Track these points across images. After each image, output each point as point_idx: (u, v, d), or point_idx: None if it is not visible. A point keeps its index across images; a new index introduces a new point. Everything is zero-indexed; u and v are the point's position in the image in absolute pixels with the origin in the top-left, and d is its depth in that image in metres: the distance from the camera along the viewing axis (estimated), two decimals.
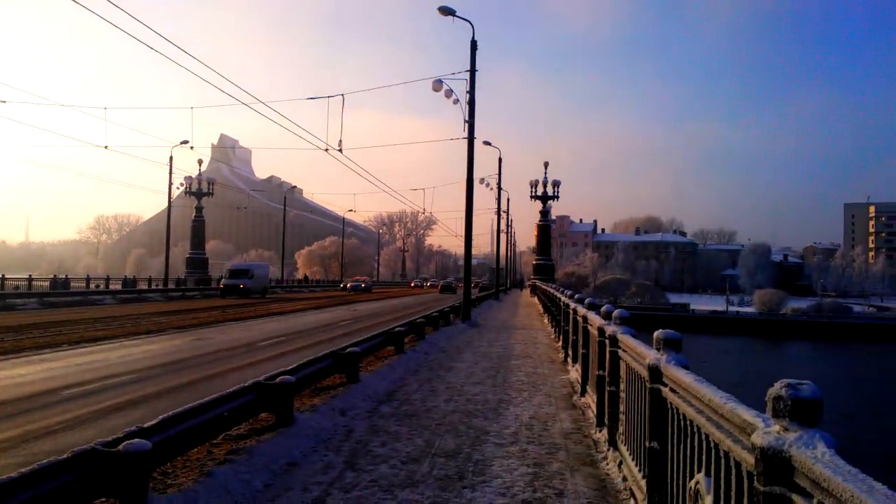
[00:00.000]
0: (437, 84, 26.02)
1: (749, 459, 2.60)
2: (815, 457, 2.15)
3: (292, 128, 22.08)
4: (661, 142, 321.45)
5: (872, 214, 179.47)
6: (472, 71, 26.06)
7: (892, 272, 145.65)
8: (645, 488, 4.80)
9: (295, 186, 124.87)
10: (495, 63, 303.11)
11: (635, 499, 5.27)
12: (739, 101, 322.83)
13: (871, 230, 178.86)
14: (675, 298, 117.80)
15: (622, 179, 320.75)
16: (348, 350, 11.50)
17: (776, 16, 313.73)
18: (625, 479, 5.89)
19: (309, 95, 31.26)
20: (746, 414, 2.81)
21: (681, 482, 3.88)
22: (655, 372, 4.50)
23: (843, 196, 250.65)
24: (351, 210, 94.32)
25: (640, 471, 5.24)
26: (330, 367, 10.98)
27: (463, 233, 27.71)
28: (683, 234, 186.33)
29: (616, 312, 7.15)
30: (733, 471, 2.92)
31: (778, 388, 2.41)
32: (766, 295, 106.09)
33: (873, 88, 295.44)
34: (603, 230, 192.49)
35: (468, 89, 26.03)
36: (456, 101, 26.22)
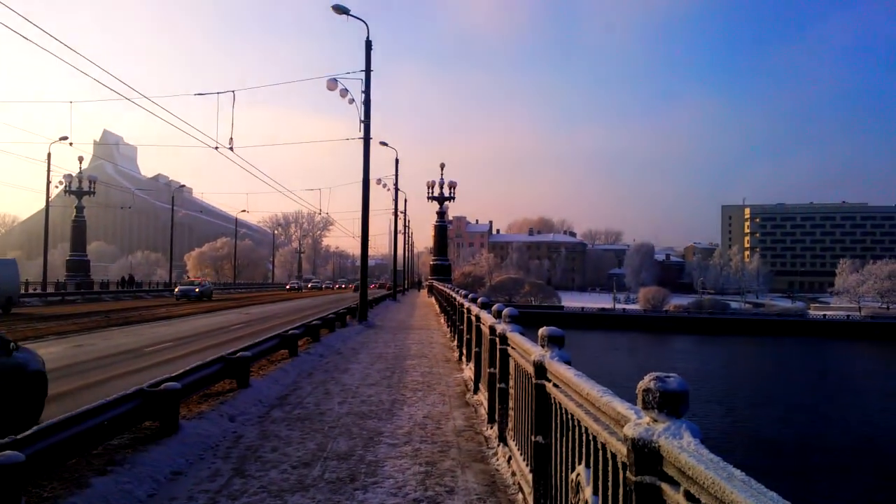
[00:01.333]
0: (332, 83, 25.72)
1: (623, 450, 2.68)
2: (681, 447, 2.23)
3: (180, 125, 21.24)
4: (553, 144, 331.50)
5: (747, 216, 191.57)
6: (368, 71, 25.91)
7: (766, 270, 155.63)
8: (531, 482, 4.91)
9: (184, 185, 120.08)
10: (394, 62, 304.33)
11: (523, 493, 5.38)
12: (626, 106, 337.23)
13: (747, 231, 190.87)
14: (566, 297, 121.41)
15: (517, 181, 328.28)
16: (238, 354, 11.18)
17: (663, 23, 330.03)
18: (514, 473, 6.01)
19: (199, 92, 29.85)
20: (621, 406, 2.91)
21: (564, 475, 3.98)
22: (540, 368, 4.60)
23: (722, 198, 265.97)
24: (244, 210, 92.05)
25: (527, 465, 5.35)
26: (219, 372, 10.63)
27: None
28: (573, 234, 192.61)
29: (506, 311, 7.28)
30: (610, 462, 3.01)
31: (647, 380, 2.48)
32: (650, 292, 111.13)
33: (749, 95, 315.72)
34: (498, 231, 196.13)
35: (363, 89, 25.88)
36: (351, 101, 26.00)
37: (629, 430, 2.52)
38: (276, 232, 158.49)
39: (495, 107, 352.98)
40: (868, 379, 51.44)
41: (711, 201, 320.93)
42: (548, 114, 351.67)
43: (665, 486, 2.35)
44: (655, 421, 2.44)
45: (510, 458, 6.35)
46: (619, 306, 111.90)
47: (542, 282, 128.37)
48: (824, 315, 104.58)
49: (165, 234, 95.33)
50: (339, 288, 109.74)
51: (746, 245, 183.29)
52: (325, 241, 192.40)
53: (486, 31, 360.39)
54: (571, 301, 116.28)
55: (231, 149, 25.13)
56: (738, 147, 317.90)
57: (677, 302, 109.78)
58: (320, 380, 12.42)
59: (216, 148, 24.91)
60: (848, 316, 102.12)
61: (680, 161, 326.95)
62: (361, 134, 26.20)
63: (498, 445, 7.09)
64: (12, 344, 8.63)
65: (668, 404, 2.42)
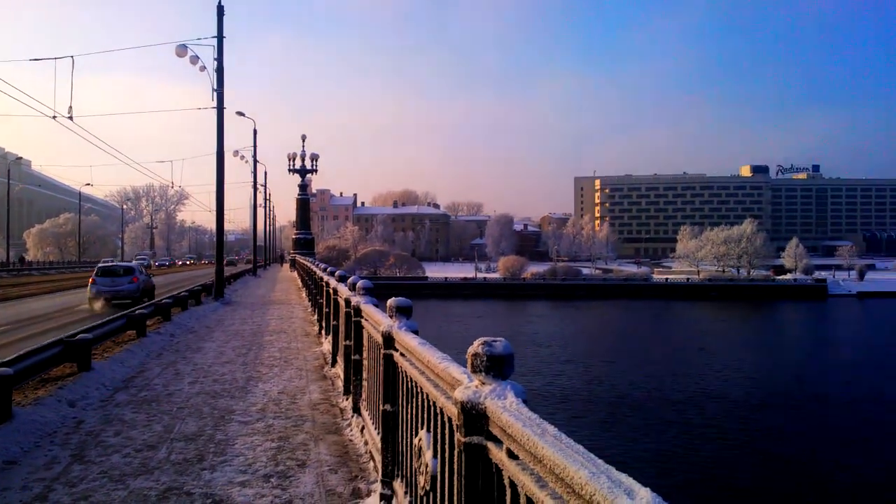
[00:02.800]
0: (181, 50, 24.39)
1: (455, 413, 2.77)
2: (503, 406, 2.34)
3: (13, 93, 19.33)
4: (417, 117, 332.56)
5: (598, 187, 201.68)
6: (220, 37, 24.82)
7: (615, 238, 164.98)
8: (381, 449, 4.99)
9: (20, 158, 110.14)
10: (257, 30, 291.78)
11: (374, 461, 5.46)
12: (488, 80, 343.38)
13: (597, 201, 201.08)
14: (430, 267, 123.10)
15: (383, 154, 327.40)
16: (79, 336, 10.50)
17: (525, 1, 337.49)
18: (366, 442, 6.08)
19: (34, 58, 27.08)
20: (456, 372, 3.01)
21: (410, 440, 4.07)
22: (388, 338, 4.66)
23: (576, 171, 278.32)
24: (88, 184, 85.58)
25: (378, 433, 5.42)
26: (57, 355, 9.93)
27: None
28: (437, 206, 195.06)
29: (360, 283, 7.28)
30: (446, 426, 3.10)
31: (476, 345, 2.57)
32: (509, 261, 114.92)
33: (603, 72, 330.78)
34: (363, 203, 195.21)
35: (216, 56, 24.80)
36: (203, 69, 24.84)
37: (459, 394, 2.60)
38: (124, 206, 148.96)
39: (359, 80, 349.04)
40: (701, 336, 56.03)
41: (567, 174, 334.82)
42: (411, 86, 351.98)
43: (491, 445, 2.45)
44: (483, 384, 2.53)
45: (363, 428, 6.40)
46: (480, 275, 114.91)
47: (406, 253, 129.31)
48: (667, 279, 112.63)
49: (1, 209, 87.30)
50: (186, 264, 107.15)
51: (597, 214, 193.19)
52: (181, 216, 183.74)
53: (350, 2, 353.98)
54: (435, 272, 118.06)
55: (70, 118, 23.25)
56: (592, 122, 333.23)
57: (534, 269, 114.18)
58: (170, 360, 11.92)
59: (54, 117, 22.96)
60: (688, 279, 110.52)
61: (538, 135, 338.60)
62: (215, 104, 25.14)
63: (352, 416, 7.14)
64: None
65: (494, 367, 2.51)
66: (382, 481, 4.82)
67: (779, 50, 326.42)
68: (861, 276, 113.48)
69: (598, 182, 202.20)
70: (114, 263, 28.35)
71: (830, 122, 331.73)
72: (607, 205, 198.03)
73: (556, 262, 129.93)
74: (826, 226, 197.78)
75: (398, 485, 4.53)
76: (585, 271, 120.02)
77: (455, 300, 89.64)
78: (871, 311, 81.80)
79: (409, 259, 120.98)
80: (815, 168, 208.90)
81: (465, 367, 3.07)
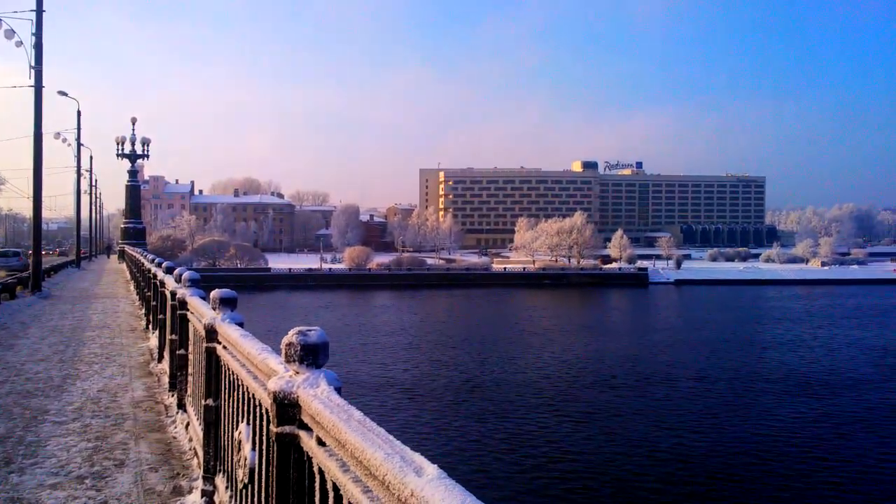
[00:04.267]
0: None
1: (269, 403, 2.76)
2: (315, 395, 2.36)
3: None
4: (261, 103, 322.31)
5: (442, 179, 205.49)
6: (39, 11, 22.87)
7: (457, 229, 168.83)
8: (204, 445, 4.86)
9: None
10: (92, 8, 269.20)
11: (198, 457, 5.30)
12: (338, 69, 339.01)
13: (441, 192, 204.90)
14: (274, 258, 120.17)
15: (223, 140, 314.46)
16: None
17: None
18: (190, 439, 5.89)
19: None
20: (273, 363, 2.99)
21: (232, 435, 4.00)
22: (211, 330, 4.54)
23: (423, 163, 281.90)
24: None
25: (202, 429, 5.27)
26: None
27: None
28: (281, 195, 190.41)
29: (186, 275, 7.02)
30: (264, 418, 3.08)
31: (290, 335, 2.56)
32: (355, 252, 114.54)
33: (450, 68, 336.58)
34: (201, 192, 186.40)
35: (34, 31, 22.84)
36: (19, 44, 22.84)
37: (272, 384, 2.59)
38: None
39: (200, 64, 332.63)
40: (535, 321, 58.85)
41: (414, 165, 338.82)
42: (256, 73, 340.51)
43: (303, 434, 2.46)
44: (298, 373, 2.54)
45: (188, 425, 6.20)
46: (325, 266, 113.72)
47: (248, 244, 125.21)
48: (505, 268, 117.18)
49: None
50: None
51: (441, 206, 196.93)
52: None
53: None
54: (279, 263, 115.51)
55: None
56: (436, 115, 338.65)
57: (380, 260, 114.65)
58: None
59: None
60: (524, 268, 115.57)
61: (386, 126, 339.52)
62: (32, 82, 23.11)
63: (177, 413, 6.88)
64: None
65: (308, 356, 2.52)
66: (204, 477, 4.70)
67: (607, 53, 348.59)
68: (678, 265, 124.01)
69: (441, 174, 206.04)
70: None
71: (653, 122, 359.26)
72: (451, 196, 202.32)
73: (401, 253, 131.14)
74: (648, 218, 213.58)
75: (220, 480, 4.44)
76: (430, 261, 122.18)
77: (299, 291, 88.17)
78: (686, 297, 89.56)
79: (251, 250, 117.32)
80: (639, 164, 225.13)
81: None
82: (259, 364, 3.19)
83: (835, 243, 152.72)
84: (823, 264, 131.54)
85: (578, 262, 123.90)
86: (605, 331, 55.37)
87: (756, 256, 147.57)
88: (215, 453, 4.49)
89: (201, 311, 5.37)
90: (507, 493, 19.24)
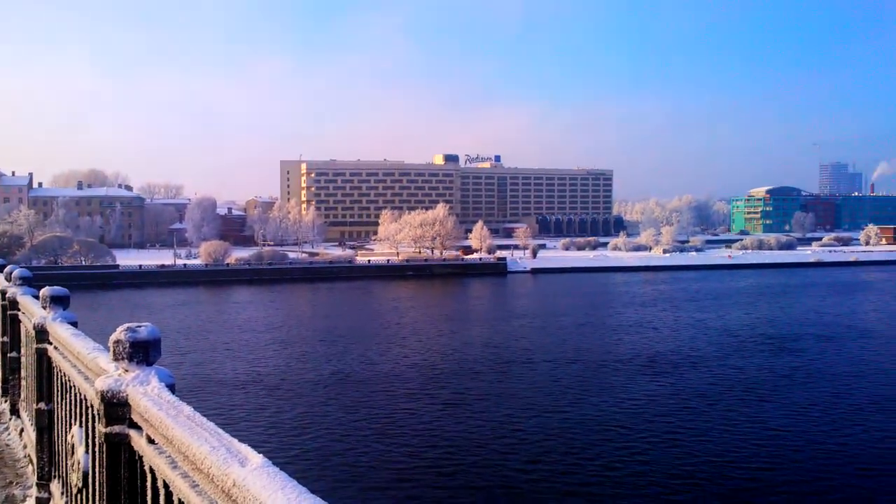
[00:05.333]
0: None
1: (98, 403, 2.67)
2: (145, 393, 2.31)
3: None
4: (111, 90, 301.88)
5: (304, 171, 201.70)
6: None
7: (320, 222, 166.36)
8: (37, 451, 4.60)
9: None
10: None
11: (33, 464, 5.00)
12: (197, 53, 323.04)
13: (304, 185, 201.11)
14: (122, 255, 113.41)
15: (65, 129, 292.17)
16: None
17: None
18: (25, 446, 5.57)
19: None
20: (104, 362, 2.88)
21: (65, 439, 3.82)
22: (41, 331, 4.32)
23: (285, 154, 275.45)
24: None
25: (35, 434, 4.98)
26: None
27: None
28: (130, 188, 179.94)
29: (16, 272, 6.56)
30: (96, 419, 2.97)
31: (118, 332, 2.48)
32: (212, 247, 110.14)
33: (317, 60, 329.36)
34: (41, 184, 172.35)
35: None
36: None
37: (100, 383, 2.51)
38: None
39: (43, 45, 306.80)
40: (398, 312, 59.30)
41: (275, 157, 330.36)
42: (104, 58, 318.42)
43: (133, 433, 2.40)
44: (127, 371, 2.47)
45: (22, 431, 5.83)
46: (180, 262, 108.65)
47: (93, 240, 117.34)
48: (369, 260, 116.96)
49: None
50: None
51: (304, 199, 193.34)
52: None
53: None
54: (129, 259, 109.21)
55: None
56: (302, 107, 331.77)
57: (239, 255, 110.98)
58: None
59: None
60: (388, 260, 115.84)
61: (246, 116, 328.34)
62: None
63: (10, 419, 6.44)
64: None
65: (138, 353, 2.46)
66: (38, 484, 4.46)
67: (467, 49, 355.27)
68: (534, 254, 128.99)
69: (304, 166, 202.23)
70: None
71: (511, 116, 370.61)
72: (313, 189, 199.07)
73: (262, 247, 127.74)
74: (506, 210, 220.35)
75: (55, 486, 4.23)
76: (292, 255, 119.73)
77: (151, 289, 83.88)
78: (542, 285, 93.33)
79: (96, 246, 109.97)
80: (497, 158, 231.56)
81: None
82: (89, 364, 3.08)
83: (675, 232, 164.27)
84: (665, 251, 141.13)
85: (441, 254, 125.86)
86: (467, 319, 56.75)
87: (605, 245, 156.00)
88: (50, 459, 4.27)
89: (32, 311, 5.07)
90: (379, 482, 19.37)
